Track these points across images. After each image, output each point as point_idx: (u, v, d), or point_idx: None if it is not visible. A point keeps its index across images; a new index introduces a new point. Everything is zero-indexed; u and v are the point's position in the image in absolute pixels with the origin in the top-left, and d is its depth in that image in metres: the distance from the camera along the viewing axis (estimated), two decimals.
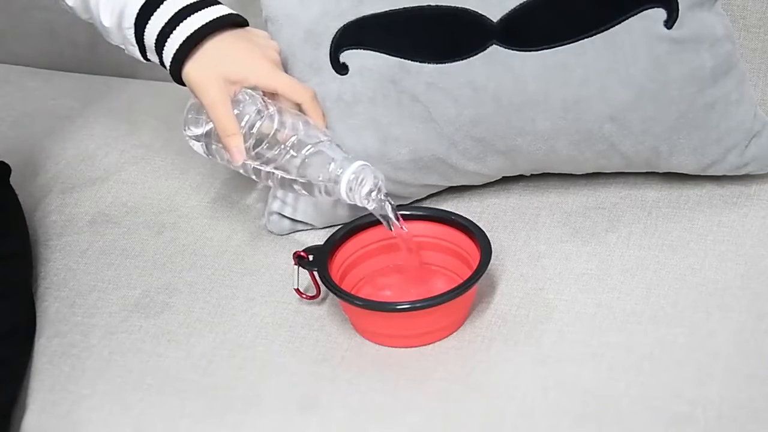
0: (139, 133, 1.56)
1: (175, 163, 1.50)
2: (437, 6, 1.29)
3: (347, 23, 1.31)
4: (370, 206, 1.24)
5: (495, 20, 1.28)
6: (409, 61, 1.29)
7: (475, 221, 1.28)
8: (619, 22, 1.28)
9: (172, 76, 1.26)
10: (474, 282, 1.21)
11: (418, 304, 1.19)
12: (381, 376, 1.20)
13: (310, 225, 1.37)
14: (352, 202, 1.24)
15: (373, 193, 1.24)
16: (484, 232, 1.26)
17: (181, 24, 1.25)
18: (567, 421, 1.13)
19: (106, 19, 1.28)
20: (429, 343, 1.22)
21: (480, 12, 1.28)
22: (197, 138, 1.29)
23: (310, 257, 1.26)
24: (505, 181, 1.39)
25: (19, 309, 1.29)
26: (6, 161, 1.43)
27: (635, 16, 1.28)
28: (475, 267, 1.22)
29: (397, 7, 1.30)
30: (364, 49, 1.31)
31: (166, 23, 1.25)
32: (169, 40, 1.25)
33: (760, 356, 1.17)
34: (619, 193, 1.37)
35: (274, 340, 1.25)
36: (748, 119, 1.32)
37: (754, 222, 1.32)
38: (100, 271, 1.35)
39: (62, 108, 1.63)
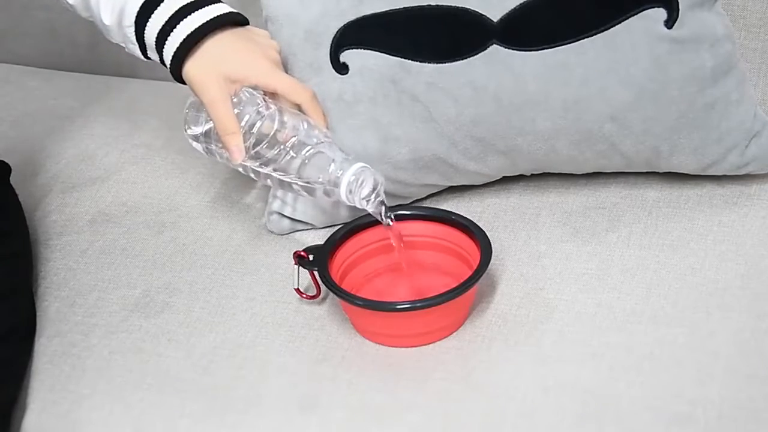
0: (140, 132, 1.56)
1: (176, 162, 1.50)
2: (437, 6, 1.29)
3: (347, 23, 1.31)
4: (369, 208, 1.24)
5: (495, 20, 1.28)
6: (410, 61, 1.29)
7: (475, 221, 1.28)
8: (620, 22, 1.28)
9: (172, 74, 1.26)
10: (474, 282, 1.21)
11: (418, 304, 1.19)
12: (381, 375, 1.20)
13: (311, 225, 1.37)
14: (352, 204, 1.24)
15: (372, 195, 1.24)
16: (484, 231, 1.26)
17: (181, 22, 1.25)
18: (567, 421, 1.13)
19: (107, 17, 1.28)
20: (429, 343, 1.22)
21: (480, 12, 1.28)
22: (196, 137, 1.29)
23: (311, 257, 1.26)
24: (506, 180, 1.39)
25: (20, 309, 1.29)
26: (6, 161, 1.43)
27: (635, 16, 1.28)
28: (475, 267, 1.22)
29: (397, 7, 1.30)
30: (364, 48, 1.30)
31: (166, 21, 1.25)
32: (169, 38, 1.25)
33: (761, 356, 1.17)
34: (620, 192, 1.37)
35: (274, 339, 1.25)
36: (748, 119, 1.32)
37: (754, 222, 1.32)
38: (101, 271, 1.35)
39: (62, 107, 1.63)
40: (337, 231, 1.29)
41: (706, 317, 1.21)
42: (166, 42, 1.25)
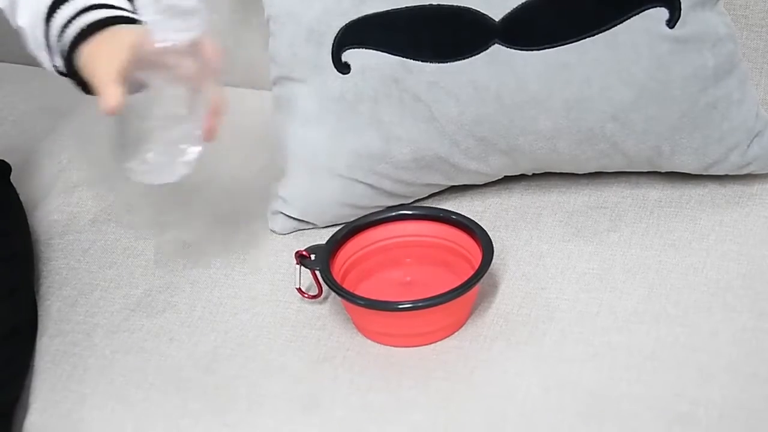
0: None
1: None
2: (439, 5, 1.29)
3: (349, 22, 1.31)
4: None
5: (497, 20, 1.28)
6: (411, 61, 1.29)
7: (476, 220, 1.28)
8: (621, 22, 1.28)
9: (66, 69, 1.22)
10: (476, 281, 1.21)
11: (420, 304, 1.19)
12: (383, 375, 1.20)
13: (312, 224, 1.37)
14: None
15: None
16: (485, 231, 1.26)
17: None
18: (568, 421, 1.13)
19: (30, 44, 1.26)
20: (431, 343, 1.22)
21: (482, 11, 1.28)
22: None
23: (312, 256, 1.26)
24: (507, 180, 1.39)
25: (21, 308, 1.29)
26: (7, 160, 1.43)
27: (637, 16, 1.28)
28: (476, 266, 1.22)
29: (399, 6, 1.30)
30: (366, 48, 1.30)
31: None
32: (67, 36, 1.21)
33: (762, 356, 1.17)
34: (621, 192, 1.37)
35: (275, 339, 1.25)
36: (750, 119, 1.32)
37: (756, 221, 1.32)
38: (102, 270, 1.35)
39: (63, 107, 1.63)
40: (338, 230, 1.29)
41: (708, 317, 1.21)
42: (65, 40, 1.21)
